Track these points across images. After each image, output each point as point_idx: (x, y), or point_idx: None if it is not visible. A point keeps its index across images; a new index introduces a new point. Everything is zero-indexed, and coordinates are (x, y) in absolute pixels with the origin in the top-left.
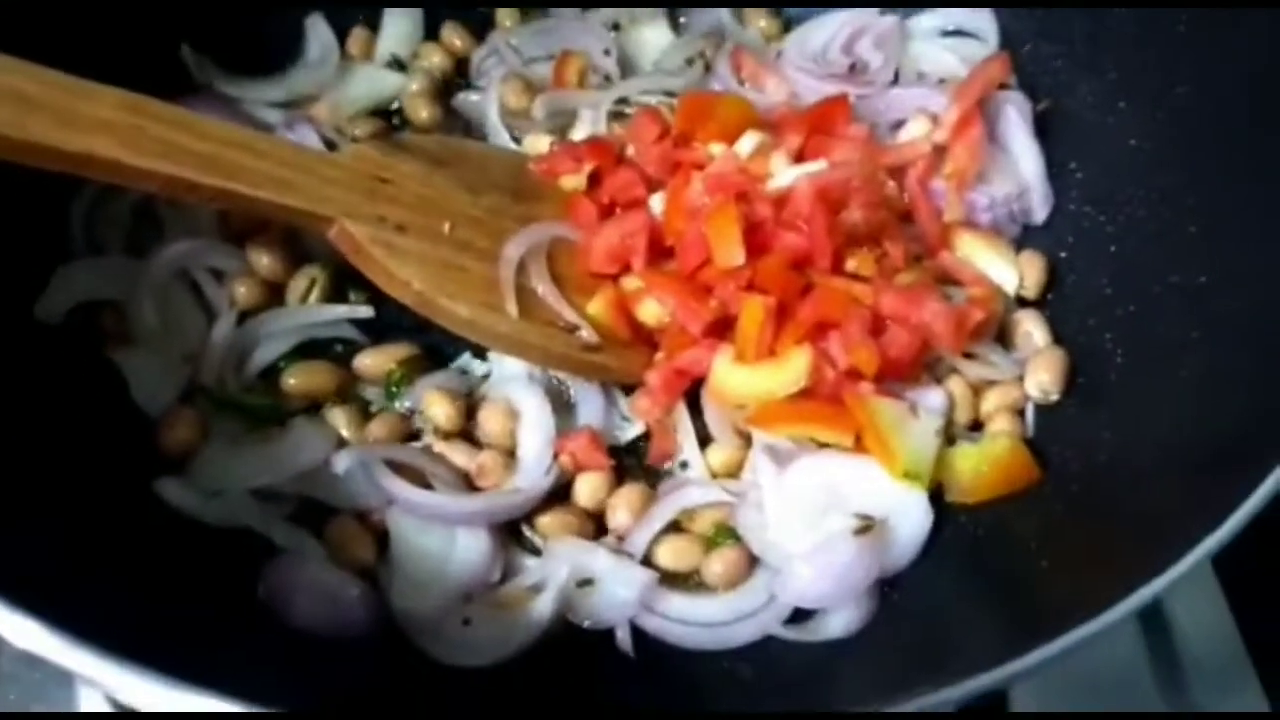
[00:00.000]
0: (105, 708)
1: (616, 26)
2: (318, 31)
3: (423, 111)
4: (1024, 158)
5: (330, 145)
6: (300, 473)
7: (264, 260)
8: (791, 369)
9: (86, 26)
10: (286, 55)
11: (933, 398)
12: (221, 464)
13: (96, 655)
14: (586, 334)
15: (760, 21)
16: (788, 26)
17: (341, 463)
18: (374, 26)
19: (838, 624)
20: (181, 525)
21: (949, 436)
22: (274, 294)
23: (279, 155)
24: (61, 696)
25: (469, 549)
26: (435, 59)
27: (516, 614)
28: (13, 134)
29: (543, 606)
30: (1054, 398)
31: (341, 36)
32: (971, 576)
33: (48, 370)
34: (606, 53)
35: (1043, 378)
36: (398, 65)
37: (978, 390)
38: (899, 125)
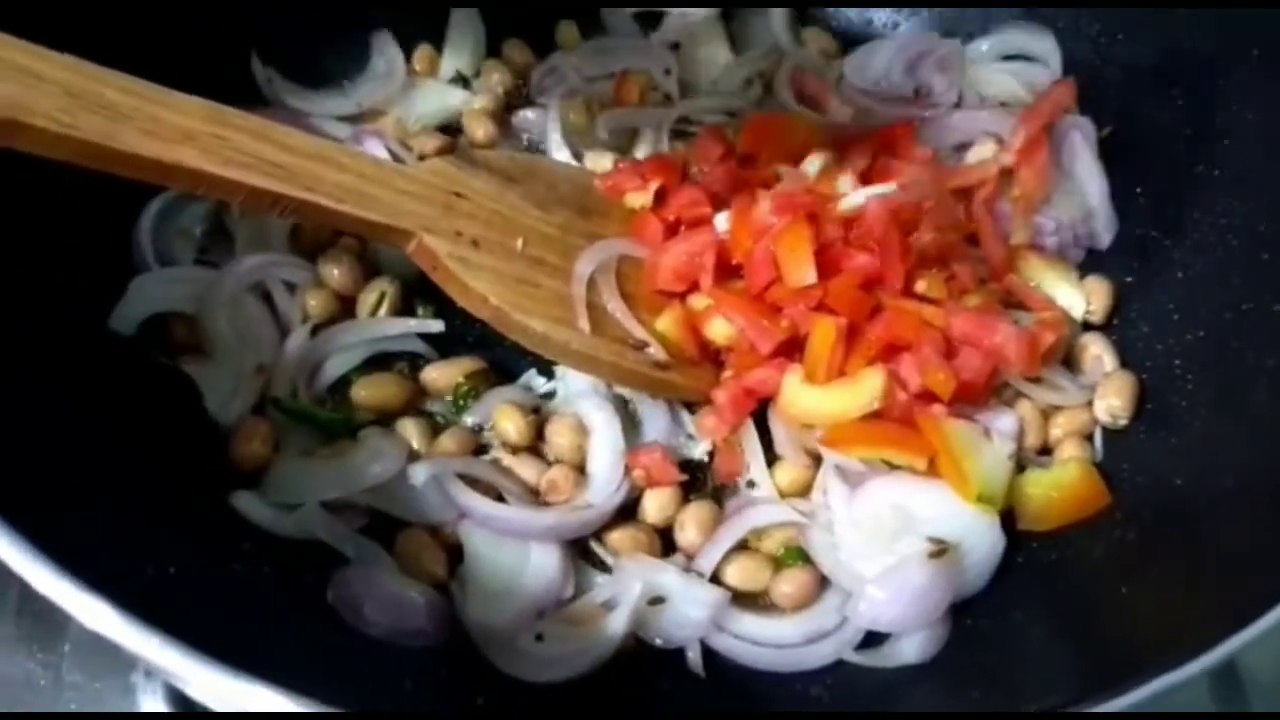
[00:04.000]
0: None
1: (676, 46)
2: (384, 47)
3: (480, 129)
4: (1089, 182)
5: (397, 160)
6: (372, 486)
7: (335, 273)
8: (865, 390)
9: (157, 42)
10: (353, 70)
11: (1004, 421)
12: (294, 477)
13: (163, 639)
14: (655, 351)
15: (819, 43)
16: (845, 49)
17: (418, 475)
18: (438, 44)
19: (911, 649)
20: (254, 531)
21: (1019, 463)
22: (344, 307)
23: (359, 169)
24: (122, 706)
25: (542, 564)
26: (497, 75)
27: (589, 630)
28: (101, 142)
29: (616, 624)
30: (1123, 422)
31: (406, 53)
32: (1046, 603)
33: (121, 380)
34: (667, 72)
35: (1113, 402)
36: (462, 81)
37: (1046, 415)
38: (963, 148)
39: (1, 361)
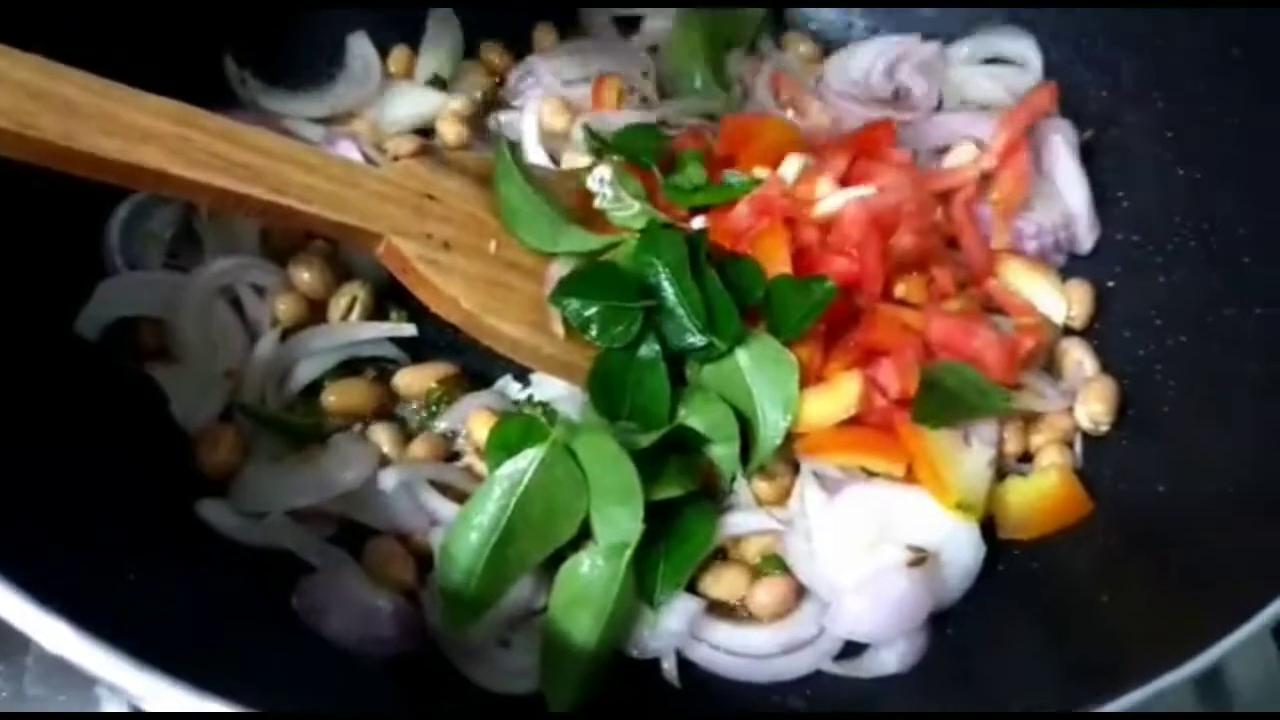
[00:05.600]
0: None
1: (654, 49)
2: (360, 49)
3: (454, 132)
4: (1070, 186)
5: (370, 162)
6: (342, 493)
7: (305, 277)
8: (842, 396)
9: (128, 41)
10: (328, 72)
11: (984, 428)
12: (262, 484)
13: (122, 658)
14: None
15: (799, 46)
16: (826, 52)
17: (388, 481)
18: (415, 45)
19: (891, 659)
20: (221, 539)
21: (999, 470)
22: (315, 311)
23: (328, 170)
24: None
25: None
26: (473, 78)
27: None
28: (60, 142)
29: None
30: (1105, 429)
31: (382, 55)
32: (1028, 611)
33: (86, 386)
34: (645, 75)
35: (1095, 408)
36: (438, 84)
37: (1027, 421)
38: (943, 151)
39: None
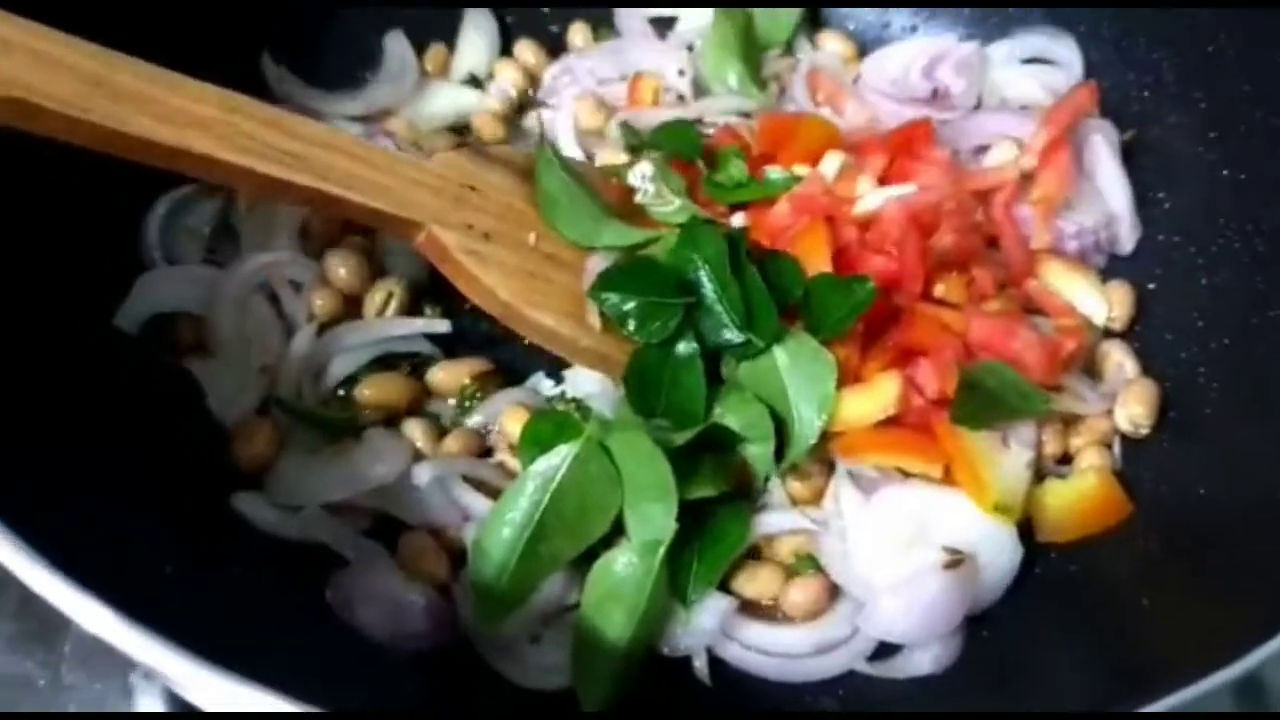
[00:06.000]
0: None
1: (690, 48)
2: (396, 48)
3: (489, 129)
4: (1111, 186)
5: None
6: (376, 487)
7: (341, 273)
8: (880, 396)
9: (168, 39)
10: (364, 71)
11: (1023, 430)
12: (297, 478)
13: (160, 643)
14: None
15: (836, 45)
16: (863, 51)
17: (422, 475)
18: (450, 44)
19: (925, 661)
20: (256, 532)
21: (1037, 472)
22: (350, 307)
23: (372, 159)
24: (121, 707)
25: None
26: (509, 74)
27: None
28: (113, 126)
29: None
30: (1145, 431)
31: (418, 53)
32: (1065, 614)
33: (124, 380)
34: (681, 73)
35: (1135, 410)
36: (474, 82)
37: (1066, 423)
38: (982, 151)
39: (2, 359)
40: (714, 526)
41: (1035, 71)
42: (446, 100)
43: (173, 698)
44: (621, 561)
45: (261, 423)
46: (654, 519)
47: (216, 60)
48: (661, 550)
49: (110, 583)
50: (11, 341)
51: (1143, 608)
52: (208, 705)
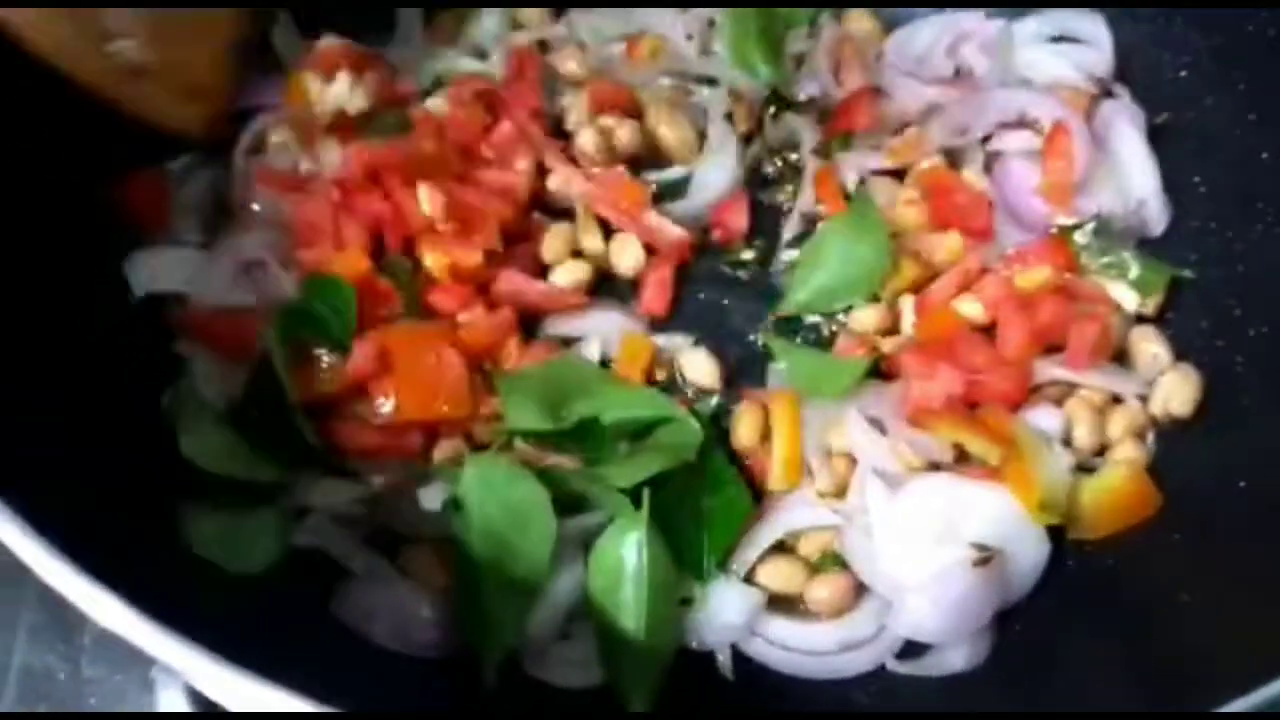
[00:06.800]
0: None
1: (711, 23)
2: (407, 14)
3: None
4: (1137, 170)
5: None
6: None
7: None
8: None
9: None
10: (375, 36)
11: (1050, 420)
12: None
13: (169, 633)
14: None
15: (861, 21)
16: (889, 29)
17: (433, 499)
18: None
19: (956, 659)
20: None
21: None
22: None
23: None
24: (143, 702)
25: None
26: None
27: None
28: None
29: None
30: (1181, 421)
31: (427, 20)
32: (1099, 611)
33: (138, 378)
34: (689, 38)
35: (1173, 400)
36: (479, 55)
37: (1100, 415)
38: (1001, 128)
39: (28, 361)
40: (719, 498)
41: (1064, 50)
42: (447, 67)
43: (193, 693)
44: (613, 543)
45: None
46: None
47: None
48: (642, 526)
49: (125, 577)
50: (37, 338)
51: (1180, 602)
52: (227, 703)
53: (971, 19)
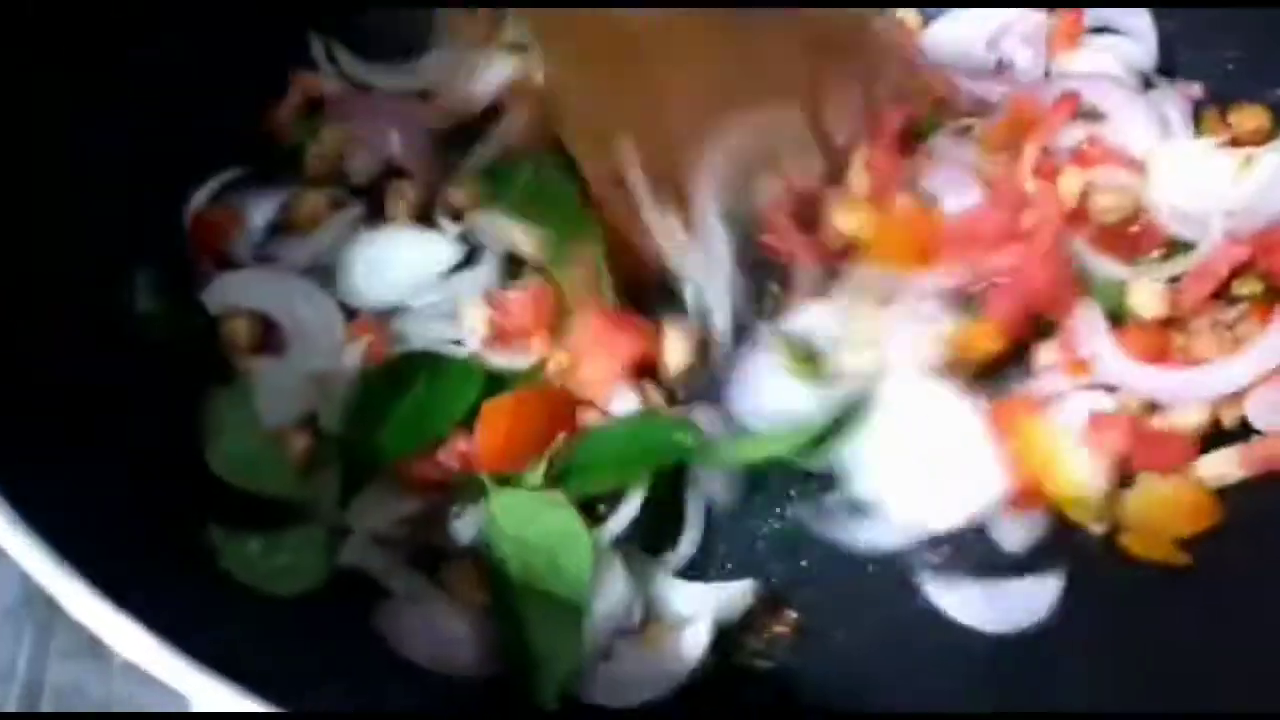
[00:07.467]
0: None
1: None
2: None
3: None
4: None
5: None
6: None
7: None
8: None
9: (213, 11)
10: (415, 43)
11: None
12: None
13: (199, 672)
14: None
15: (901, 14)
16: (928, 21)
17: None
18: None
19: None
20: None
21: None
22: None
23: None
24: None
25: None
26: None
27: (663, 651)
28: None
29: (693, 643)
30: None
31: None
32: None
33: (161, 393)
34: None
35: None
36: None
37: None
38: None
39: (53, 383)
40: None
41: (1106, 43)
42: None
43: None
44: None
45: (299, 434)
46: None
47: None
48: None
49: (146, 608)
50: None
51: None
52: None
53: (1012, 11)
